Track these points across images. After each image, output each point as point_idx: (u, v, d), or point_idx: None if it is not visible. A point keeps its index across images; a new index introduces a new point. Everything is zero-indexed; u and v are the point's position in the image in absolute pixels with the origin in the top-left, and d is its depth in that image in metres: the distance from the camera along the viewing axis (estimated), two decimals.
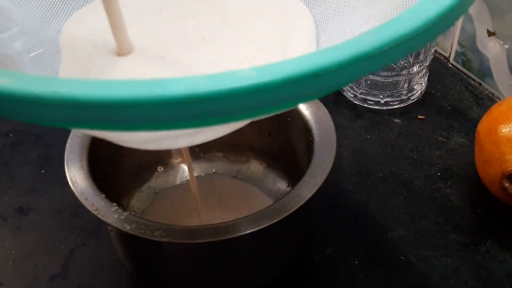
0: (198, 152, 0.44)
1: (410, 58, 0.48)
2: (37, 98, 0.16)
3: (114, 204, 0.31)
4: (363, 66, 0.18)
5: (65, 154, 0.34)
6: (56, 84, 0.16)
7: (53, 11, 0.30)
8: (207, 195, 0.40)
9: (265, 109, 0.17)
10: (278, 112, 0.19)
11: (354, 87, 0.51)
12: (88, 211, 0.31)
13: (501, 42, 0.49)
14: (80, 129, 0.20)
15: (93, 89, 0.16)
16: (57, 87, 0.16)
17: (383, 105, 0.51)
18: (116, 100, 0.16)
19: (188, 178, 0.42)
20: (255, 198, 0.41)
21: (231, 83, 0.16)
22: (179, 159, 0.43)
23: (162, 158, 0.43)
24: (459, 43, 0.54)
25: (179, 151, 0.43)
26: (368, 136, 0.48)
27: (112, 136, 0.25)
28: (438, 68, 0.55)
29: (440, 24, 0.18)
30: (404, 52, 0.19)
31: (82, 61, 0.27)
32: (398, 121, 0.50)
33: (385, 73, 0.49)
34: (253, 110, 0.17)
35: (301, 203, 0.31)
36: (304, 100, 0.18)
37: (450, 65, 0.55)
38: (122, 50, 0.26)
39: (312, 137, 0.35)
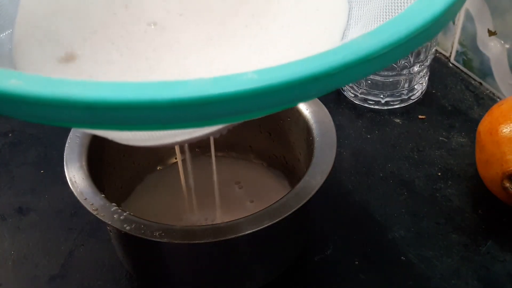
0: (198, 152, 0.44)
1: (410, 58, 0.48)
2: (49, 100, 0.16)
3: (114, 204, 0.31)
4: (363, 68, 0.18)
5: (65, 154, 0.34)
6: (66, 86, 0.16)
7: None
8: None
9: (266, 110, 0.18)
10: (278, 111, 0.19)
11: (355, 87, 0.51)
12: (87, 211, 0.31)
13: (502, 42, 0.49)
14: (85, 129, 0.20)
15: (104, 91, 0.16)
16: (67, 89, 0.16)
17: (383, 105, 0.51)
18: (126, 102, 0.16)
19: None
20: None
21: (233, 86, 0.17)
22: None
23: (162, 158, 0.43)
24: (460, 43, 0.54)
25: (178, 150, 0.43)
26: (369, 136, 0.48)
27: (113, 135, 0.25)
28: (439, 68, 0.55)
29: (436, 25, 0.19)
30: (407, 51, 0.19)
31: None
32: (398, 121, 0.50)
33: (386, 73, 0.49)
34: (254, 111, 0.18)
35: (301, 203, 0.31)
36: (305, 99, 0.18)
37: (451, 65, 0.55)
38: None
39: (312, 137, 0.35)
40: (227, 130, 0.27)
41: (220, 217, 0.40)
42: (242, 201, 0.41)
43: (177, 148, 0.37)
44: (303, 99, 0.18)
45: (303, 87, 0.17)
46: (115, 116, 0.17)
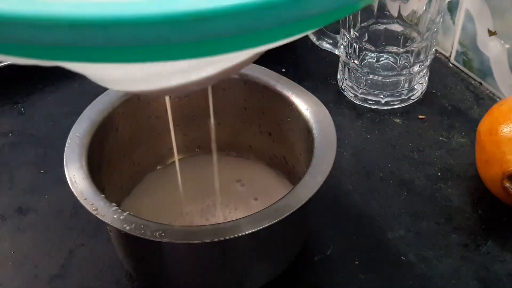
0: (198, 152, 0.44)
1: (410, 58, 0.48)
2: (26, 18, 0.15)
3: (114, 204, 0.31)
4: None
5: (65, 154, 0.34)
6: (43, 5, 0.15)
7: None
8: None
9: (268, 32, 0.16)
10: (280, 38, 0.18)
11: (355, 87, 0.51)
12: (87, 211, 0.31)
13: (502, 42, 0.49)
14: (60, 61, 0.19)
15: (80, 9, 0.15)
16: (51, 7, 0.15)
17: (383, 105, 0.51)
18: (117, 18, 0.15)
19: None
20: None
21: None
22: (179, 158, 0.43)
23: (162, 157, 0.43)
24: (460, 43, 0.54)
25: (178, 149, 0.43)
26: (369, 136, 0.48)
27: (103, 73, 0.23)
28: (439, 68, 0.55)
29: None
30: None
31: None
32: (398, 121, 0.50)
33: (386, 73, 0.49)
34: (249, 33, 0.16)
35: (301, 203, 0.31)
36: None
37: (451, 65, 0.55)
38: None
39: (312, 137, 0.35)
40: (223, 90, 0.24)
41: (221, 215, 0.40)
42: (245, 199, 0.41)
43: (175, 147, 0.37)
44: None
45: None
46: (104, 37, 0.15)
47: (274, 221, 0.30)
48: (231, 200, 0.41)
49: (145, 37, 0.16)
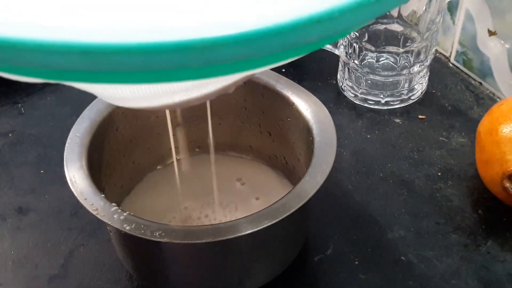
0: (198, 152, 0.44)
1: (410, 58, 0.48)
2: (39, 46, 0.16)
3: (114, 204, 0.31)
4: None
5: (65, 154, 0.34)
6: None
7: None
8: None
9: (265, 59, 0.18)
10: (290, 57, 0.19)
11: (355, 87, 0.51)
12: (87, 211, 0.31)
13: (502, 42, 0.49)
14: (71, 82, 0.19)
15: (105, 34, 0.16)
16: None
17: (383, 105, 0.51)
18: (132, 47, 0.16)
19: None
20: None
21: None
22: (179, 158, 0.43)
23: (162, 157, 0.43)
24: (460, 43, 0.54)
25: (178, 149, 0.43)
26: (369, 136, 0.48)
27: (111, 93, 0.24)
28: (439, 68, 0.55)
29: None
30: None
31: None
32: (398, 121, 0.50)
33: (386, 73, 0.49)
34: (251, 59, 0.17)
35: (301, 203, 0.31)
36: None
37: (451, 65, 0.55)
38: None
39: (312, 137, 0.35)
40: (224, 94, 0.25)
41: (221, 212, 0.40)
42: (246, 198, 0.41)
43: (173, 146, 0.37)
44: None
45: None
46: (119, 62, 0.16)
47: (274, 221, 0.30)
48: (232, 199, 0.41)
49: (155, 63, 0.17)
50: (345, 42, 0.50)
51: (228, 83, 0.25)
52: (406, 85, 0.50)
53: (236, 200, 0.41)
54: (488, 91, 0.52)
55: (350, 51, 0.50)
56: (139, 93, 0.23)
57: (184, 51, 0.16)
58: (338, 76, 0.53)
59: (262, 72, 0.40)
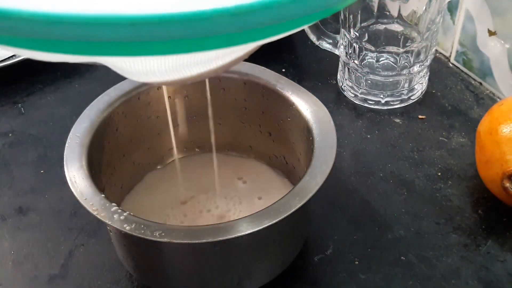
0: (198, 152, 0.44)
1: (410, 58, 0.48)
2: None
3: (114, 204, 0.31)
4: None
5: (65, 154, 0.34)
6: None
7: None
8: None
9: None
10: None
11: (355, 87, 0.51)
12: (87, 211, 0.31)
13: (502, 42, 0.49)
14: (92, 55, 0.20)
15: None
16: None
17: (383, 105, 0.51)
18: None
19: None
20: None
21: None
22: (179, 157, 0.43)
23: (162, 157, 0.43)
24: (460, 43, 0.54)
25: (178, 149, 0.43)
26: (369, 136, 0.48)
27: (129, 65, 0.25)
28: (439, 68, 0.55)
29: None
30: None
31: None
32: (398, 121, 0.50)
33: (386, 73, 0.49)
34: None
35: (301, 203, 0.31)
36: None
37: (451, 65, 0.55)
38: None
39: (312, 137, 0.35)
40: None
41: (224, 209, 0.40)
42: (248, 197, 0.41)
43: (174, 145, 0.37)
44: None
45: None
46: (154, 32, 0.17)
47: (274, 221, 0.30)
48: (233, 197, 0.41)
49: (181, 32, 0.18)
50: (345, 42, 0.50)
51: (238, 55, 0.27)
52: (406, 85, 0.50)
53: (239, 195, 0.41)
54: (488, 91, 0.52)
55: (350, 51, 0.50)
56: (163, 66, 0.24)
57: (218, 19, 0.18)
58: (338, 76, 0.53)
59: (262, 72, 0.40)
